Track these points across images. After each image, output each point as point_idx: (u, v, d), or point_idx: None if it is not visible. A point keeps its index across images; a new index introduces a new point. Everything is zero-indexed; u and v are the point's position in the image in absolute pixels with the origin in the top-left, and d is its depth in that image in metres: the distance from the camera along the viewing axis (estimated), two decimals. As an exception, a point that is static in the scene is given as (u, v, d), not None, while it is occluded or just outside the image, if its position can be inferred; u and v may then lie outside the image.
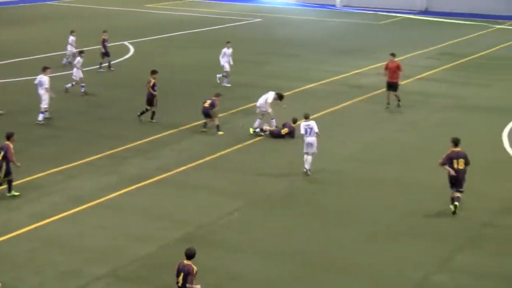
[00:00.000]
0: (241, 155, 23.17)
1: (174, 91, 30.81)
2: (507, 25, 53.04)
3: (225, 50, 32.44)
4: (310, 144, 21.09)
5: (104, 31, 35.24)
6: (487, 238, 17.39)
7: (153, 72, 26.86)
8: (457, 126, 26.57)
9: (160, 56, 38.27)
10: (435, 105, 29.66)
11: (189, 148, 23.75)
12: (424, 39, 45.45)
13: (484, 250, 16.73)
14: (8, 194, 19.51)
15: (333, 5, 63.26)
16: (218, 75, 32.35)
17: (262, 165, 22.24)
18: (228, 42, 32.79)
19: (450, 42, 44.59)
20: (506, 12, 57.00)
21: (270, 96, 25.54)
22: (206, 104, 25.48)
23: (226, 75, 32.23)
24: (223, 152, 23.28)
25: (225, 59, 32.33)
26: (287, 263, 15.82)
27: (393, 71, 28.72)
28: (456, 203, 18.48)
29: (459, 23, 54.13)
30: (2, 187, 19.63)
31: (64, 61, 35.64)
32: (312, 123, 21.25)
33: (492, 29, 51.23)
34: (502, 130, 25.81)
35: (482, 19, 55.34)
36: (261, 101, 25.66)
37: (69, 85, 30.02)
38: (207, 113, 25.43)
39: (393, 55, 29.27)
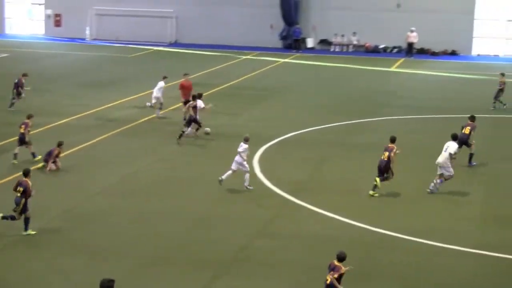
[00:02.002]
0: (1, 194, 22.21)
1: None
2: (252, 56, 55.75)
3: (160, 82, 33.56)
4: (238, 162, 23.16)
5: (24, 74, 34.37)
6: (244, 261, 18.18)
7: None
8: (211, 155, 27.60)
9: None
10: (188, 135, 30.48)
11: None
12: (176, 71, 46.44)
13: (241, 273, 17.49)
14: (24, 233, 19.07)
15: (83, 39, 62.88)
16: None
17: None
18: (165, 77, 33.99)
19: (200, 73, 46.00)
20: (251, 43, 59.87)
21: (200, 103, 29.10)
22: (22, 130, 24.65)
23: (160, 107, 33.51)
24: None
25: (160, 92, 33.30)
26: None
27: (188, 89, 31.49)
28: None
29: (208, 54, 55.99)
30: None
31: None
32: (244, 146, 23.25)
33: (239, 59, 53.58)
34: (253, 157, 27.08)
35: (229, 50, 57.72)
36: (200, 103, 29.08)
37: None
38: (23, 139, 24.78)
39: (186, 74, 32.49)
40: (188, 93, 31.42)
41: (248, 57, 55.24)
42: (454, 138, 24.05)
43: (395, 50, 59.26)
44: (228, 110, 35.42)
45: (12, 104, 33.89)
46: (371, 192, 23.17)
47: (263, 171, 25.28)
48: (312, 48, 60.61)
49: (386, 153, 23.22)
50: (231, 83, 42.97)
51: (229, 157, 27.11)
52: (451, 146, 23.56)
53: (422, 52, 58.28)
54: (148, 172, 25.36)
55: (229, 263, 17.96)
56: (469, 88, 43.61)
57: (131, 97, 37.70)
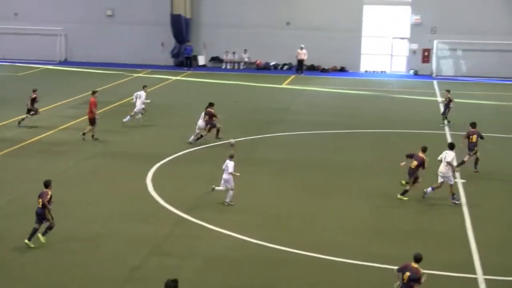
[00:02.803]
0: None
1: None
2: (144, 74, 55.47)
3: (140, 93, 35.93)
4: (224, 179, 23.58)
5: (34, 90, 35.48)
6: (139, 281, 18.02)
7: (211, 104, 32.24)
8: (104, 174, 27.27)
9: None
10: (82, 154, 30.03)
11: None
12: (66, 89, 45.82)
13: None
14: (42, 237, 19.87)
15: (-32, 58, 61.19)
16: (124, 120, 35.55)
17: None
18: (145, 86, 36.85)
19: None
20: (143, 61, 59.58)
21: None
22: None
23: (144, 113, 36.21)
24: None
25: (140, 100, 35.78)
26: None
27: (94, 105, 32.02)
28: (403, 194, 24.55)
29: (99, 72, 55.36)
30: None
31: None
32: (230, 163, 23.59)
33: (130, 77, 53.19)
34: (146, 175, 26.92)
35: (120, 68, 57.28)
36: (200, 122, 31.86)
37: None
38: None
39: (94, 92, 32.83)
40: (92, 110, 32.13)
41: (140, 75, 54.93)
42: (451, 147, 24.99)
43: (286, 67, 60.18)
44: (120, 128, 35.07)
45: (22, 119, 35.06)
46: (399, 196, 24.50)
47: (156, 189, 25.15)
48: (203, 66, 60.86)
49: (415, 162, 24.27)
50: (123, 101, 42.58)
51: (116, 176, 26.86)
52: (449, 155, 24.41)
53: (312, 68, 59.41)
54: (36, 193, 24.76)
55: (122, 283, 17.76)
56: (358, 104, 44.69)
57: (21, 117, 36.82)
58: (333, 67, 59.51)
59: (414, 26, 58.77)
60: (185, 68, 58.96)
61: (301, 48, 57.35)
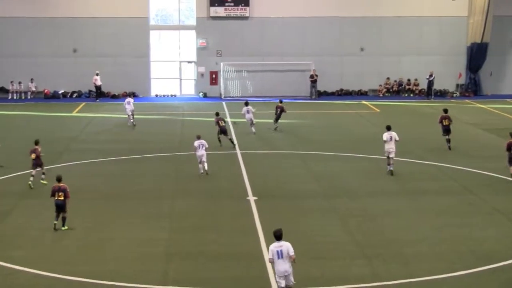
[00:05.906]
0: None
1: None
2: None
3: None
4: None
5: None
6: None
7: None
8: None
9: None
10: None
11: None
12: None
13: None
14: (63, 228, 23.18)
15: None
16: None
17: None
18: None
19: None
20: None
21: (251, 108, 41.05)
22: None
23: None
24: None
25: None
26: None
27: None
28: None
29: None
30: None
31: None
32: None
33: None
34: None
35: None
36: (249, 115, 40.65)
37: None
38: None
39: None
40: None
41: None
42: (389, 128, 30.99)
43: (75, 95, 59.32)
44: None
45: None
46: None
47: None
48: (-12, 97, 58.72)
49: (447, 120, 35.19)
50: None
51: None
52: (394, 134, 30.68)
53: (103, 95, 59.05)
54: None
55: None
56: (149, 129, 44.85)
57: None
58: (123, 92, 59.33)
59: (200, 50, 60.03)
60: (-33, 101, 56.63)
61: (97, 74, 56.89)
